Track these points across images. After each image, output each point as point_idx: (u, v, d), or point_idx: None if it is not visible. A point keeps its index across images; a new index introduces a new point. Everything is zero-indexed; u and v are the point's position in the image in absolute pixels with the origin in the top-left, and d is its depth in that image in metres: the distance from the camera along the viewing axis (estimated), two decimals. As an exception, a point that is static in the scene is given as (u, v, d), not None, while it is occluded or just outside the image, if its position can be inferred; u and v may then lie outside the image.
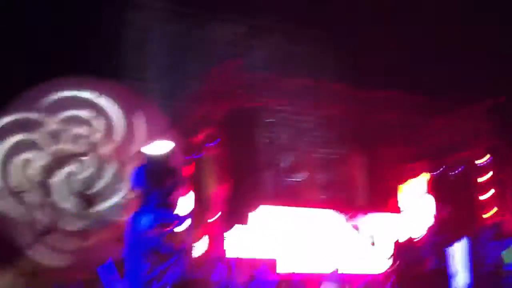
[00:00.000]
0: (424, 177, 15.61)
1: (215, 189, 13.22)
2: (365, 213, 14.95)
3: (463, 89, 11.17)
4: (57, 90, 9.81)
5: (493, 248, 9.40)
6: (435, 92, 11.36)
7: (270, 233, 13.53)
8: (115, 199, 9.85)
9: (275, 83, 12.16)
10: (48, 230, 9.43)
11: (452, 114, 12.48)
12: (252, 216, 13.52)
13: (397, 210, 15.33)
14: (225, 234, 12.92)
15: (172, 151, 7.36)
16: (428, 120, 12.90)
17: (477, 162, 14.32)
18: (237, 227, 13.21)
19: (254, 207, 13.60)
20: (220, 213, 12.81)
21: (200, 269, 10.88)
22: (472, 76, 11.16)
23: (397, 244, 9.95)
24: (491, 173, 13.71)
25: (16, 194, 9.58)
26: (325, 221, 14.44)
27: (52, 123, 9.86)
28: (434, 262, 9.16)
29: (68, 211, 9.68)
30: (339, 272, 12.90)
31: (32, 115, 9.75)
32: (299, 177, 15.18)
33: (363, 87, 11.78)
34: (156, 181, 7.36)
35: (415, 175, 15.68)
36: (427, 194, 14.80)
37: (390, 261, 10.76)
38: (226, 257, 12.74)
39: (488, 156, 13.68)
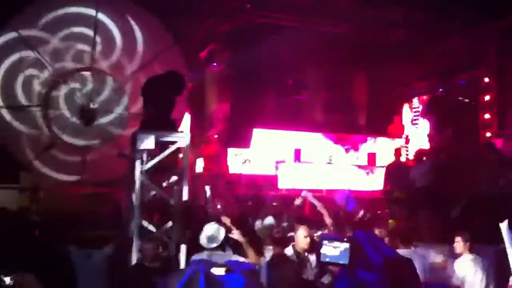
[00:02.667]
0: (427, 97, 15.57)
1: (217, 107, 13.27)
2: (366, 134, 15.06)
3: (469, 9, 10.88)
4: (57, 7, 9.67)
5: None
6: (442, 12, 11.09)
7: (270, 153, 13.72)
8: (116, 114, 9.91)
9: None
10: (52, 145, 9.57)
11: (458, 34, 12.23)
12: (252, 136, 13.65)
13: (399, 130, 15.43)
14: (226, 151, 13.13)
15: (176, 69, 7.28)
16: (433, 40, 12.67)
17: (479, 82, 14.20)
18: (238, 145, 13.39)
19: (255, 126, 13.68)
20: (221, 131, 12.94)
21: (204, 185, 11.10)
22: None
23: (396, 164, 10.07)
24: (492, 94, 13.63)
25: (20, 109, 9.66)
26: (325, 143, 14.60)
27: (54, 40, 9.78)
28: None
29: (71, 126, 9.77)
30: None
31: (34, 32, 9.68)
32: (301, 96, 15.16)
33: (369, 5, 11.49)
34: (158, 98, 7.34)
35: (418, 95, 15.63)
36: (429, 114, 14.82)
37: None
38: (229, 174, 13.04)
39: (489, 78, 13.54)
